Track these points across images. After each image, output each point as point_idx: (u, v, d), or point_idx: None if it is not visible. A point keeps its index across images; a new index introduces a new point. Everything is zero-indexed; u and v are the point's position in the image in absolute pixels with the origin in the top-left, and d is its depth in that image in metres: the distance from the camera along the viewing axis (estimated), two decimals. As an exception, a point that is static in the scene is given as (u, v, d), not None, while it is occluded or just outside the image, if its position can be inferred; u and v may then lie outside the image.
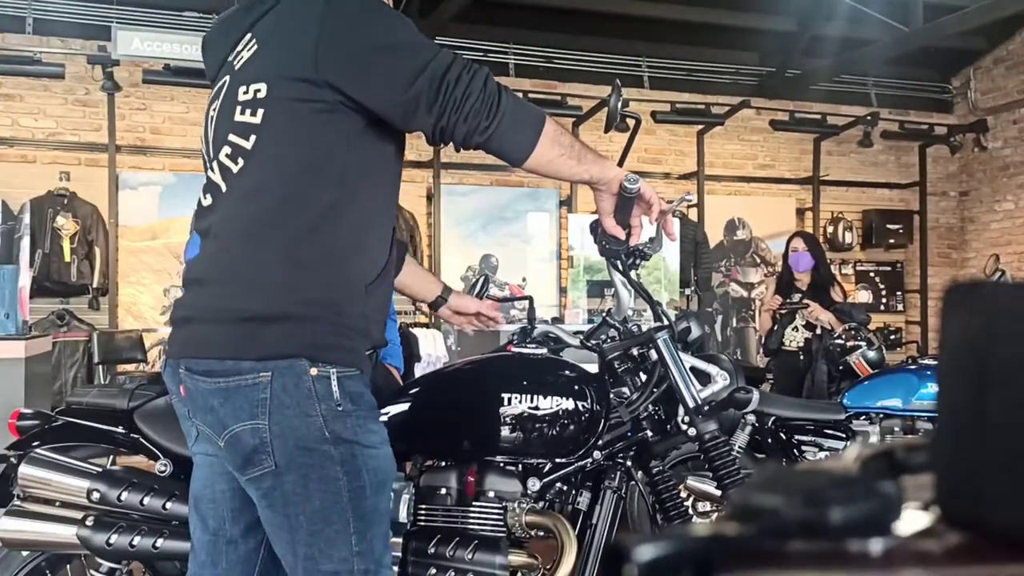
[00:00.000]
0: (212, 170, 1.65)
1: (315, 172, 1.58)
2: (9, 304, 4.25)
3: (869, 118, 8.24)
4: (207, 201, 1.67)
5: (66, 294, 6.57)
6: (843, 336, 4.80)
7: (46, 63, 6.26)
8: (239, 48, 1.68)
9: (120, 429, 2.36)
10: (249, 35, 1.67)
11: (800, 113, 8.27)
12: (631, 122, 2.44)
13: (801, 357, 5.16)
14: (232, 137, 1.61)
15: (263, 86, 1.58)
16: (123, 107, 6.82)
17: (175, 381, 1.67)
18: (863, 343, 4.64)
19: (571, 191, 7.78)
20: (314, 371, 1.54)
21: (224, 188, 1.62)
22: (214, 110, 1.68)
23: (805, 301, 5.19)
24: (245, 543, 1.74)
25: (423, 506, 2.09)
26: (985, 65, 8.97)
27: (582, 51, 7.91)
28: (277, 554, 1.65)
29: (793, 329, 5.27)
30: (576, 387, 2.09)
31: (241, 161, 1.60)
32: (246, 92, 1.60)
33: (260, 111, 1.58)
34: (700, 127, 7.97)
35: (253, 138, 1.58)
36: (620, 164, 1.94)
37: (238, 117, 1.60)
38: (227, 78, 1.67)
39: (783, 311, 5.29)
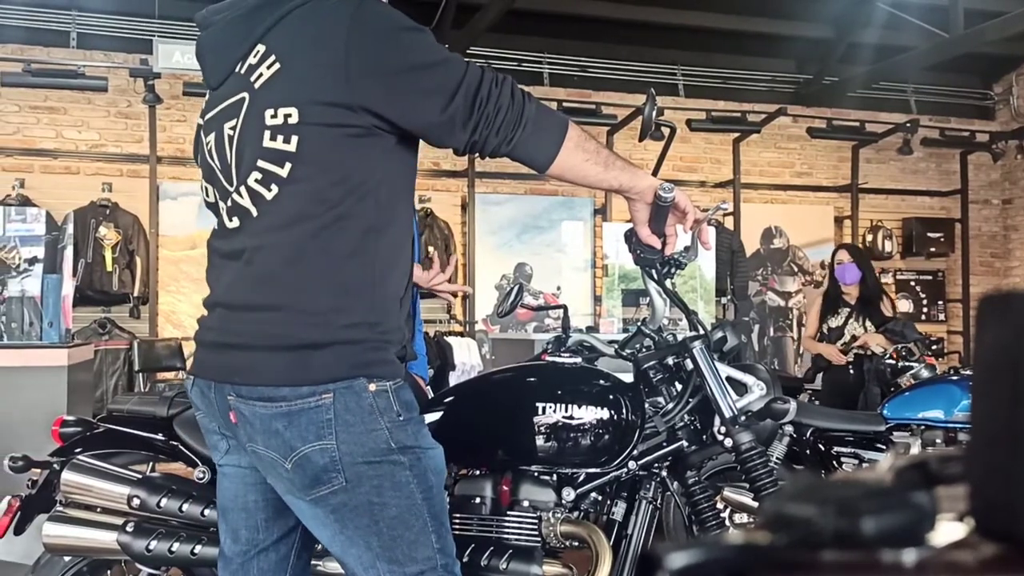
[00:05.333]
0: (240, 194, 1.62)
1: (355, 196, 1.58)
2: (53, 313, 4.32)
3: (908, 125, 8.14)
4: (232, 224, 1.65)
5: (108, 303, 6.68)
6: (894, 357, 4.72)
7: (89, 76, 6.37)
8: (252, 60, 1.62)
9: (160, 436, 2.39)
10: (262, 46, 1.61)
11: (838, 120, 8.19)
12: (666, 130, 2.44)
13: (851, 372, 5.08)
14: (263, 163, 1.58)
15: (293, 111, 1.55)
16: (164, 119, 6.94)
17: (205, 400, 1.69)
18: (915, 363, 4.56)
19: (606, 200, 7.76)
20: (372, 387, 1.57)
21: (256, 213, 1.61)
22: (232, 129, 1.63)
23: (854, 335, 5.11)
24: (276, 551, 1.78)
25: (457, 515, 2.08)
26: (1028, 71, 8.84)
27: (616, 60, 7.91)
28: (349, 572, 1.66)
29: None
30: (611, 396, 2.09)
31: (275, 188, 1.58)
32: (274, 116, 1.57)
33: (294, 138, 1.55)
34: (736, 135, 7.92)
35: (288, 166, 1.56)
36: (655, 172, 1.94)
37: (268, 143, 1.57)
38: (245, 96, 1.62)
39: (841, 348, 5.19)
